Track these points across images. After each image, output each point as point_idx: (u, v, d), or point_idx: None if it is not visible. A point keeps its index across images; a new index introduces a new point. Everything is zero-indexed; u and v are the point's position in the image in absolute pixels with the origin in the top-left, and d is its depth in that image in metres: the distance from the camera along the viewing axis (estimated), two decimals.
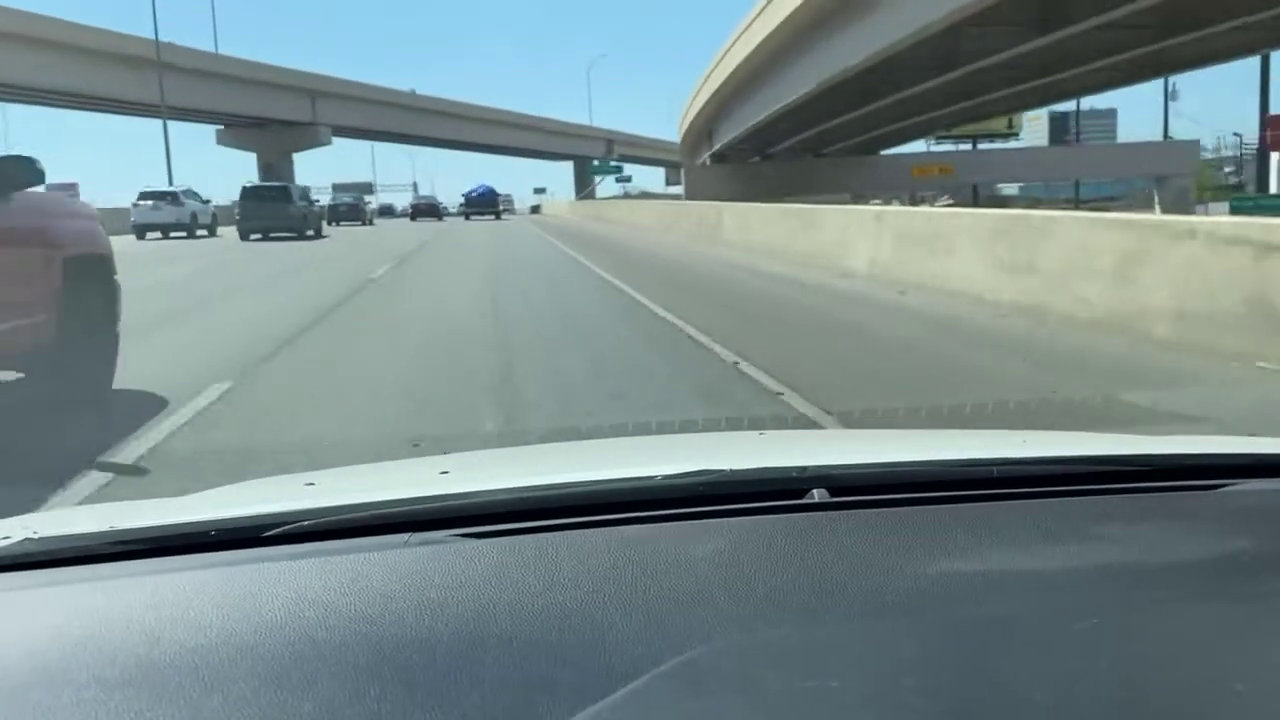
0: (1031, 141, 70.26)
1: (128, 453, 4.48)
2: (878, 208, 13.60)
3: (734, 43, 37.19)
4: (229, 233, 33.19)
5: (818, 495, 1.15)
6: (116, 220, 23.73)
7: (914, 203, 55.22)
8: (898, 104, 38.98)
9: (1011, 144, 65.27)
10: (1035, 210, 12.37)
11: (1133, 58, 33.78)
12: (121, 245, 6.49)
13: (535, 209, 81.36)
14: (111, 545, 1.07)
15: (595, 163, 78.82)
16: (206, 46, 57.58)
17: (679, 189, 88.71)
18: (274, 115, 59.49)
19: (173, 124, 49.26)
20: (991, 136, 63.29)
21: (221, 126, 63.33)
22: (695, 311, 9.35)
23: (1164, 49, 32.08)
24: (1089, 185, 62.66)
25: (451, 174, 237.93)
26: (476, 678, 0.81)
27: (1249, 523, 1.14)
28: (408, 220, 56.49)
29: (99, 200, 30.78)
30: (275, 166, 61.10)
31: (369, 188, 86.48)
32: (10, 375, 5.37)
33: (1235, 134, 69.20)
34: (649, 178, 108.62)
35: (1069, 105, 62.02)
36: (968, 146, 63.26)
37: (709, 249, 19.75)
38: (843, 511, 1.11)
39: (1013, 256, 9.41)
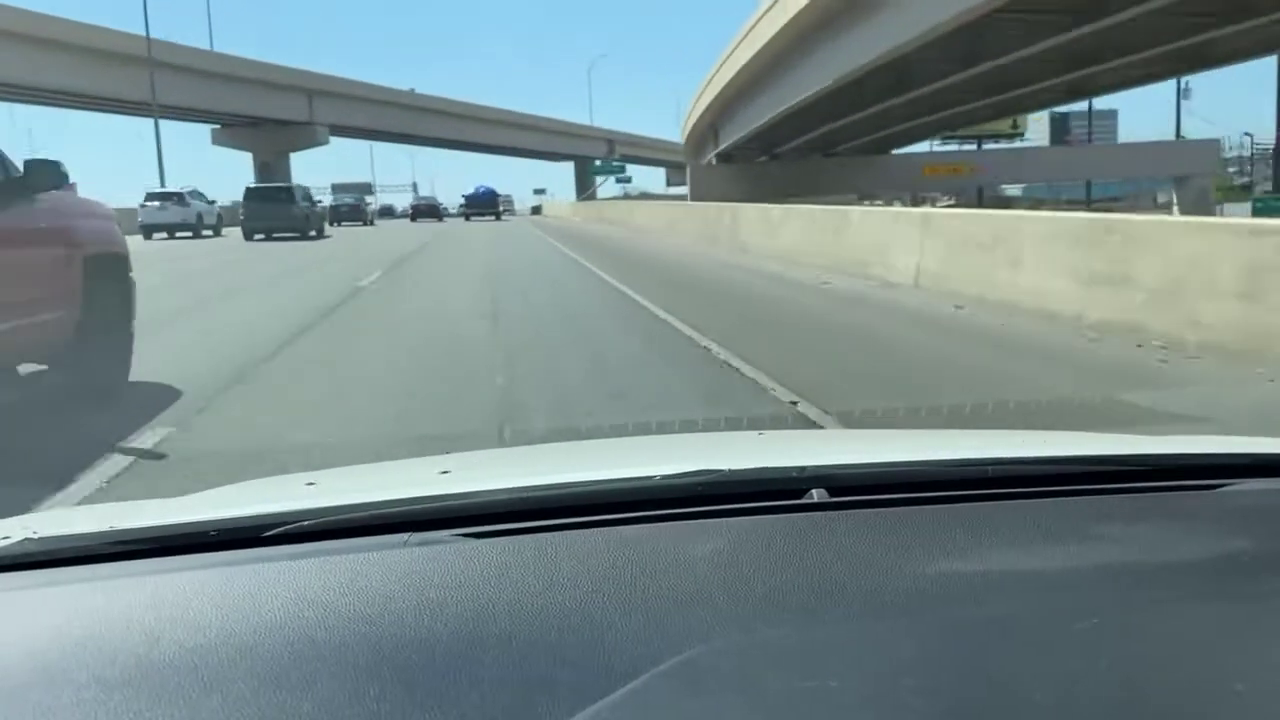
0: (1032, 143, 68.85)
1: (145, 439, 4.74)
2: (924, 209, 12.08)
3: (741, 40, 36.22)
4: (233, 233, 33.81)
5: (817, 495, 1.15)
6: (123, 220, 23.58)
7: (916, 203, 54.50)
8: (913, 102, 37.57)
9: (1016, 144, 64.18)
10: (1130, 215, 9.96)
11: (1176, 50, 31.83)
12: (129, 245, 6.62)
13: (536, 210, 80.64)
14: (111, 545, 1.07)
15: (597, 163, 78.28)
16: (203, 45, 56.86)
17: (680, 189, 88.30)
18: (270, 114, 58.73)
19: (167, 123, 49.09)
20: (996, 137, 62.37)
21: (217, 126, 62.47)
22: (733, 334, 7.84)
23: (1212, 40, 30.29)
24: (1089, 186, 61.74)
25: (451, 174, 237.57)
26: (476, 677, 0.81)
27: (1248, 523, 1.14)
28: (408, 221, 56.54)
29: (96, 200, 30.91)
30: (272, 166, 60.49)
31: (368, 188, 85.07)
32: (33, 368, 5.65)
33: (1246, 134, 68.18)
34: (649, 178, 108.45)
35: (1074, 106, 61.16)
36: (972, 147, 62.14)
37: (725, 254, 18.28)
38: (842, 511, 1.12)
39: (1101, 268, 7.97)
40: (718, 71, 42.23)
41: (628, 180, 77.27)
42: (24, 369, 5.72)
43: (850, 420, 4.89)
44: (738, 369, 6.39)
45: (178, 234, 34.10)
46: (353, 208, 51.18)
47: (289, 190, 34.77)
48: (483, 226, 41.81)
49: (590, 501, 1.14)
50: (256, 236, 31.67)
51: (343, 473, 1.63)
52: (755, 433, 2.99)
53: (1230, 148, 70.20)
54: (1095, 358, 6.83)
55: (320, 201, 42.16)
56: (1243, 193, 58.70)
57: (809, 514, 1.12)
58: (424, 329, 9.14)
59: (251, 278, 16.49)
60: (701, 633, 0.86)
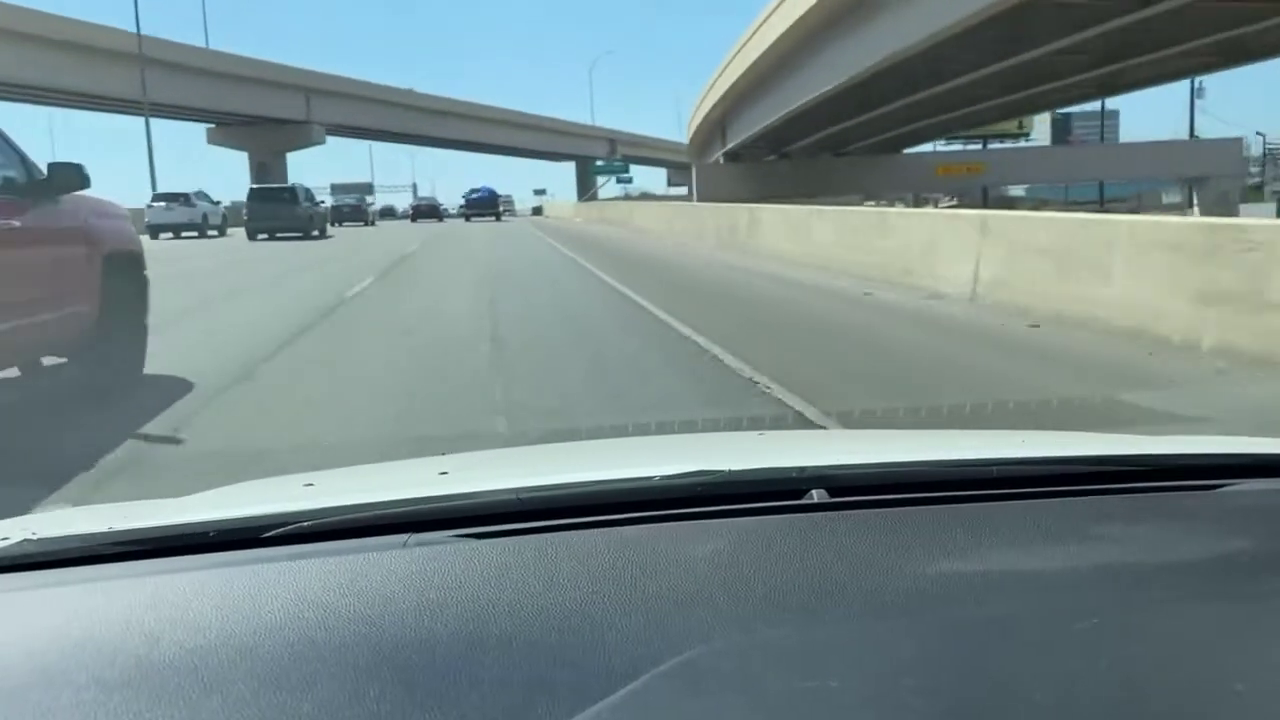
0: (1036, 142, 66.36)
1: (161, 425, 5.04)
2: (982, 212, 10.53)
3: (752, 34, 34.64)
4: (237, 233, 34.42)
5: (817, 495, 1.15)
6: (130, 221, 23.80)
7: (919, 203, 53.38)
8: (932, 98, 35.81)
9: (1022, 144, 62.51)
10: (1249, 220, 9.07)
11: (1215, 43, 29.53)
12: None
13: (537, 210, 79.89)
14: (110, 546, 1.07)
15: (599, 163, 77.85)
16: (199, 43, 55.54)
17: (681, 189, 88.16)
18: (266, 113, 57.65)
19: (162, 122, 48.31)
20: (1002, 137, 60.86)
21: (212, 125, 61.60)
22: (784, 360, 6.75)
23: (1259, 31, 27.76)
24: (1089, 186, 60.38)
25: (452, 174, 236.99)
26: (476, 678, 0.81)
27: (1248, 523, 1.14)
28: (409, 221, 56.71)
29: None
30: (268, 166, 59.77)
31: (368, 188, 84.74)
32: (55, 360, 5.96)
33: (1258, 133, 66.24)
34: (649, 178, 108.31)
35: (1083, 107, 59.48)
36: (977, 146, 60.49)
37: (743, 259, 16.69)
38: (842, 512, 1.12)
39: (1227, 283, 6.55)
40: (727, 67, 40.56)
41: (629, 181, 76.95)
42: (46, 361, 6.10)
43: (850, 420, 4.88)
44: (801, 413, 5.22)
45: (183, 234, 34.73)
46: (354, 208, 51.97)
47: (292, 191, 35.23)
48: (483, 227, 41.80)
49: (590, 502, 1.14)
50: (260, 236, 32.25)
51: (342, 473, 1.63)
52: (755, 433, 2.99)
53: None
54: (1249, 399, 5.59)
55: (323, 202, 42.55)
56: (1254, 193, 57.36)
57: (809, 514, 1.12)
58: (422, 330, 9.13)
59: (255, 277, 16.57)
60: (702, 633, 0.86)
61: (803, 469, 1.22)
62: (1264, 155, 64.06)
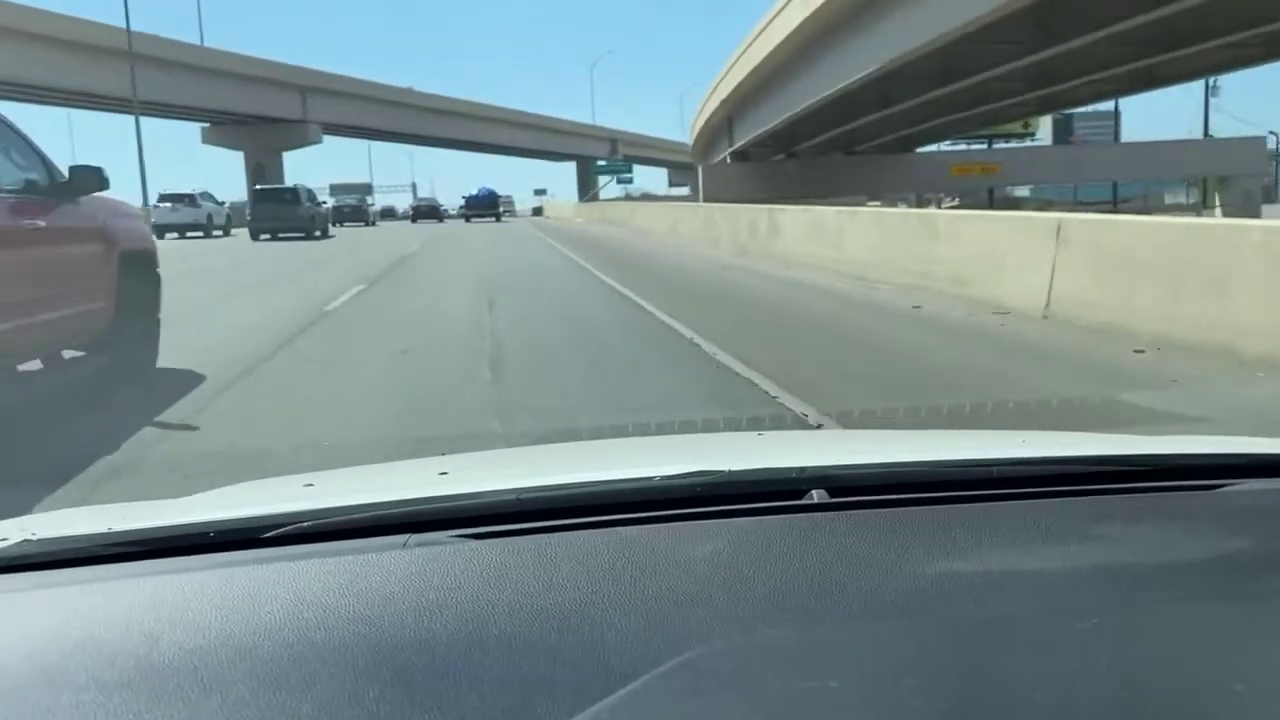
0: (1040, 142, 64.07)
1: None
2: (1057, 214, 9.09)
3: (761, 31, 33.30)
4: (241, 233, 35.21)
5: (817, 496, 1.15)
6: None
7: (921, 204, 52.40)
8: (952, 95, 34.26)
9: (1028, 143, 61.09)
10: None
11: (1271, 32, 27.12)
12: None
13: (537, 211, 79.22)
14: (110, 547, 1.07)
15: (600, 163, 77.54)
16: (194, 41, 54.04)
17: (683, 189, 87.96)
18: (262, 112, 56.74)
19: (155, 121, 47.37)
20: (1008, 136, 59.55)
21: (207, 124, 60.69)
22: (842, 392, 5.86)
23: None
24: (1093, 187, 58.40)
25: (451, 174, 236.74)
26: (475, 679, 0.81)
27: (1248, 523, 1.14)
28: (409, 222, 56.87)
29: None
30: (264, 166, 58.98)
31: (367, 188, 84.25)
32: (73, 353, 6.28)
33: (1271, 132, 63.23)
34: (650, 179, 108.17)
35: (1095, 106, 56.82)
36: (982, 146, 58.87)
37: (764, 265, 15.42)
38: (842, 512, 1.12)
39: None
40: (734, 64, 39.09)
41: (629, 181, 76.65)
42: (66, 354, 6.37)
43: (850, 420, 4.87)
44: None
45: (188, 234, 35.26)
46: (355, 209, 52.84)
47: (294, 192, 35.66)
48: (482, 228, 41.81)
49: (590, 502, 1.14)
50: (263, 236, 32.82)
51: (342, 473, 1.63)
52: (755, 433, 2.99)
53: None
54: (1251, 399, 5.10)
55: (325, 203, 42.95)
56: (1265, 193, 56.49)
57: (809, 514, 1.12)
58: (418, 336, 9.13)
59: (259, 276, 16.65)
60: (701, 633, 0.86)
61: (803, 469, 1.22)
62: (1277, 154, 62.66)
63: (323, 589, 0.94)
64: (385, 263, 18.16)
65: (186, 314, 9.13)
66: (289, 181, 45.66)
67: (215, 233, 36.86)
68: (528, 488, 1.19)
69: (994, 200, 53.41)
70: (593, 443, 3.18)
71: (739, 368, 6.38)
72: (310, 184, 38.29)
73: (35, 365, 6.03)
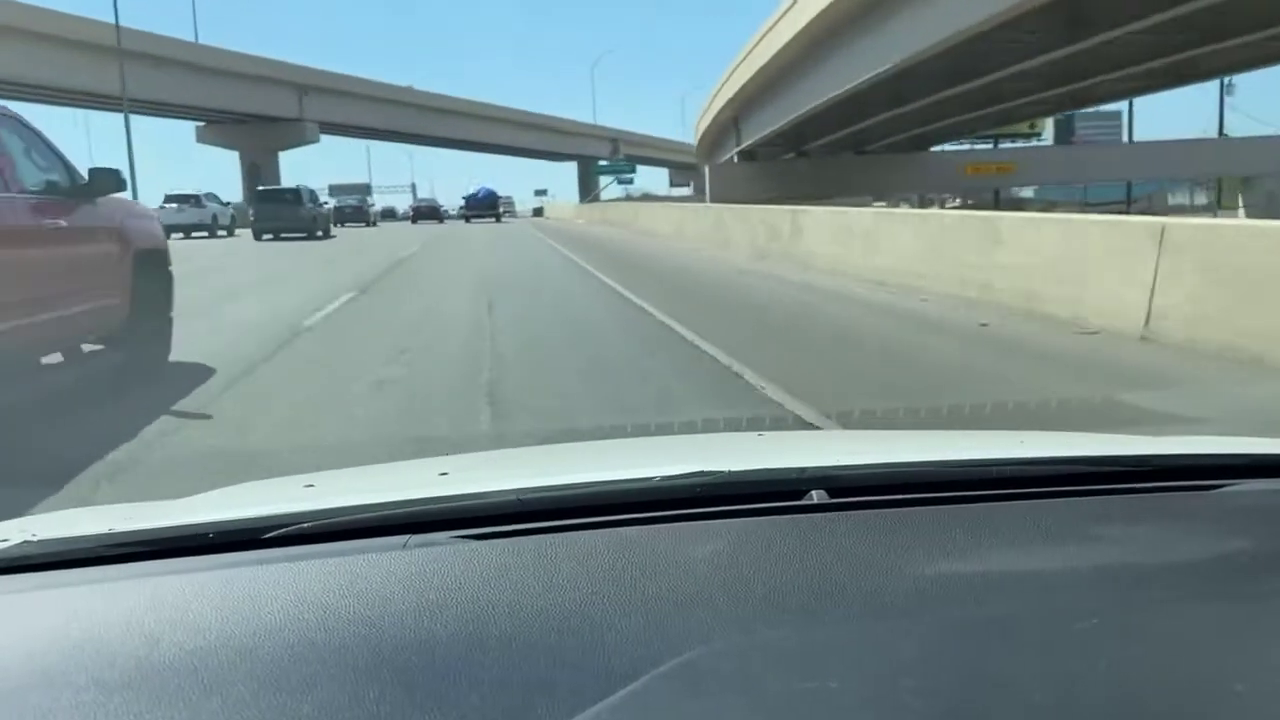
0: (1045, 142, 62.66)
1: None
2: (1161, 219, 7.86)
3: (772, 26, 32.28)
4: (245, 233, 35.40)
5: (817, 496, 1.15)
6: None
7: (924, 204, 51.87)
8: (972, 93, 33.24)
9: (1034, 143, 60.06)
10: None
11: None
12: None
13: (538, 211, 78.45)
14: (110, 548, 1.08)
15: (602, 162, 77.00)
16: (188, 38, 52.81)
17: (684, 190, 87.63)
18: (258, 111, 55.60)
19: (149, 120, 46.58)
20: (1013, 136, 58.73)
21: (202, 123, 59.55)
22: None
23: None
24: (1096, 188, 57.37)
25: (451, 174, 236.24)
26: (475, 679, 0.81)
27: (1248, 523, 1.14)
28: (409, 223, 56.93)
29: None
30: (259, 166, 58.18)
31: (366, 188, 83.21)
32: (91, 347, 6.61)
33: None
34: (650, 179, 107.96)
35: (1109, 105, 55.72)
36: (988, 146, 57.75)
37: (789, 271, 13.93)
38: (842, 512, 1.12)
39: None
40: (743, 61, 38.03)
41: (629, 181, 76.15)
42: (85, 348, 6.73)
43: (850, 421, 4.86)
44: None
45: (193, 234, 35.62)
46: (356, 209, 52.96)
47: (296, 192, 35.97)
48: (483, 229, 41.82)
49: (590, 503, 1.14)
50: (265, 236, 33.21)
51: (342, 474, 1.63)
52: (755, 434, 2.99)
53: None
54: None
55: (326, 203, 43.24)
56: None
57: (809, 515, 1.12)
58: (419, 334, 9.14)
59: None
60: (701, 634, 0.86)
61: (803, 469, 1.22)
62: None
63: (323, 589, 0.94)
64: (381, 266, 17.66)
65: None
66: (286, 181, 45.73)
67: (220, 233, 37.35)
68: (528, 488, 1.19)
69: (1000, 201, 52.71)
70: (593, 443, 3.18)
71: (789, 402, 5.30)
72: (308, 184, 38.43)
73: (56, 358, 6.35)
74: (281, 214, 34.07)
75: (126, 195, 6.92)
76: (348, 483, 1.50)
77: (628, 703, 0.77)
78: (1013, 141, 59.17)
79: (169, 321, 7.02)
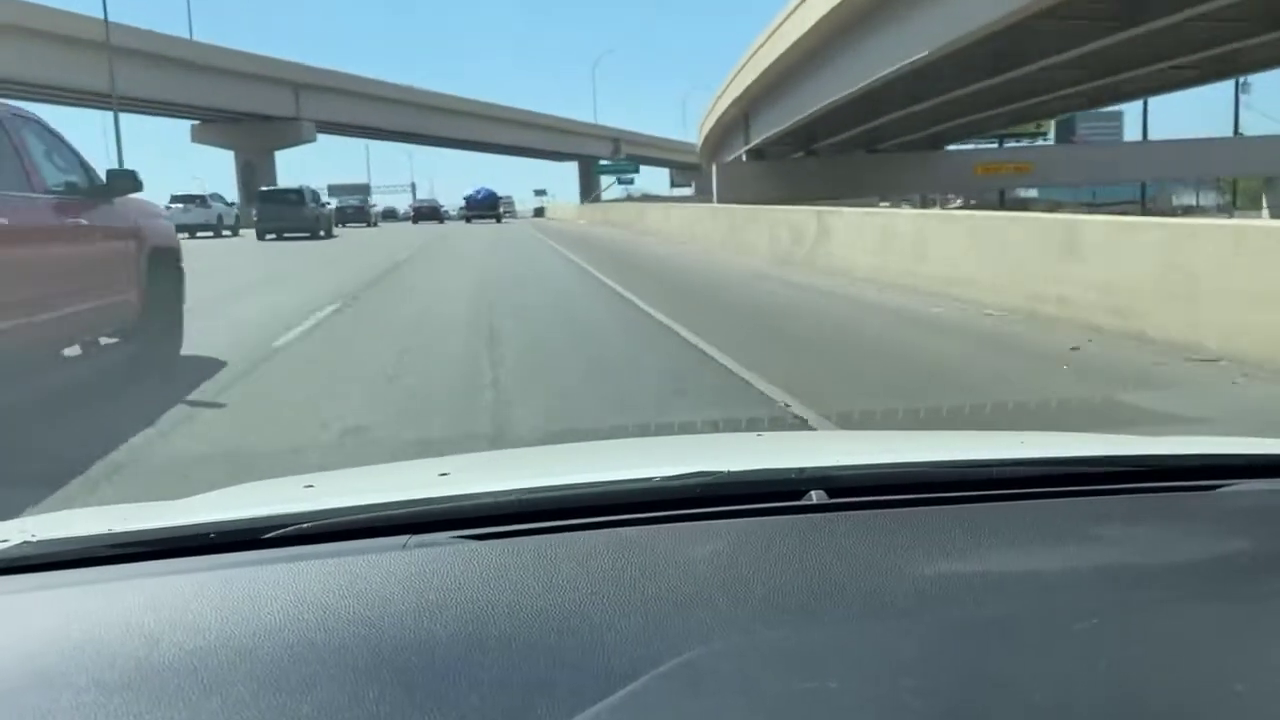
0: (1050, 142, 61.49)
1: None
2: None
3: (783, 21, 30.96)
4: (249, 233, 36.26)
5: (816, 496, 1.15)
6: None
7: (926, 205, 50.81)
8: (997, 88, 31.67)
9: (1039, 143, 59.09)
10: None
11: None
12: None
13: (538, 212, 77.91)
14: (110, 548, 1.08)
15: (603, 162, 76.65)
16: (183, 36, 52.11)
17: (685, 190, 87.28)
18: (253, 109, 55.14)
19: (142, 119, 45.83)
20: (1019, 136, 57.76)
21: (196, 122, 58.99)
22: None
23: None
24: (1101, 188, 56.38)
25: (451, 174, 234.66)
26: (475, 680, 0.81)
27: (1247, 523, 1.14)
28: (410, 223, 57.04)
29: None
30: (255, 165, 57.82)
31: (365, 188, 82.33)
32: (108, 340, 6.83)
33: None
34: (651, 179, 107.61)
35: (1122, 105, 54.06)
36: (993, 145, 56.45)
37: (818, 279, 12.73)
38: (841, 513, 1.12)
39: None
40: (753, 57, 36.55)
41: (629, 182, 75.92)
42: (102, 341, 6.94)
43: (849, 422, 4.87)
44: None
45: (199, 234, 35.95)
46: (358, 209, 53.58)
47: (299, 193, 36.42)
48: (483, 230, 41.79)
49: (590, 503, 1.15)
50: (268, 236, 33.79)
51: (342, 475, 1.63)
52: (754, 434, 2.99)
53: None
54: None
55: (328, 204, 43.65)
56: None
57: (808, 515, 1.12)
58: (417, 335, 9.13)
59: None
60: (701, 634, 0.86)
61: (802, 470, 1.22)
62: None
63: (323, 590, 0.94)
64: (376, 270, 16.91)
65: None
66: (282, 181, 45.89)
67: (225, 232, 38.06)
68: (527, 488, 1.19)
69: (1005, 201, 51.93)
70: (593, 444, 3.18)
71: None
72: (305, 184, 38.72)
73: (75, 350, 6.56)
74: (285, 214, 34.62)
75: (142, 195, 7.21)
76: (347, 483, 1.50)
77: (627, 703, 0.77)
78: (1018, 141, 58.37)
79: (180, 316, 7.37)
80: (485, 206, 56.73)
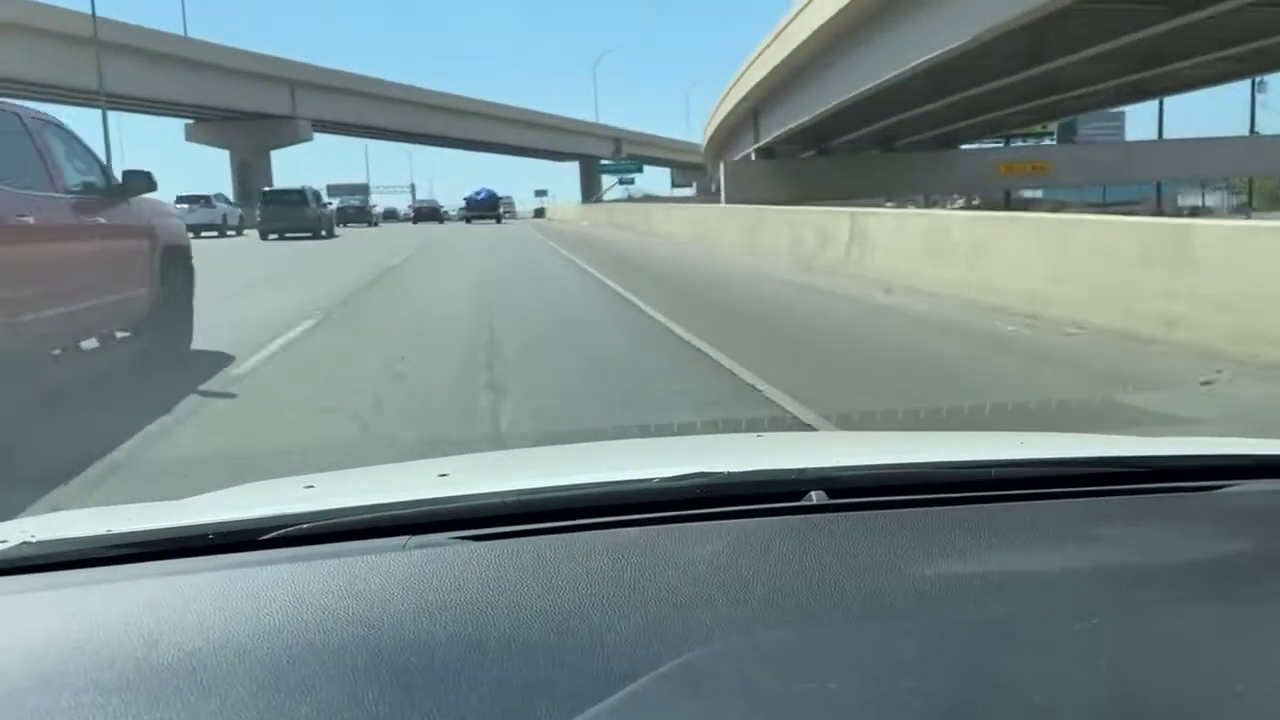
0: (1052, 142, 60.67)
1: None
2: None
3: (799, 12, 29.58)
4: (253, 233, 36.56)
5: (816, 497, 1.15)
6: None
7: (928, 205, 49.23)
8: (1028, 81, 30.01)
9: (1045, 142, 58.25)
10: None
11: None
12: None
13: (539, 212, 76.49)
14: (109, 549, 1.08)
15: (605, 162, 76.38)
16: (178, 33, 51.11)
17: (686, 190, 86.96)
18: (249, 108, 54.51)
19: (134, 118, 44.95)
20: (1025, 136, 56.91)
21: (191, 121, 58.56)
22: None
23: None
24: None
25: (451, 174, 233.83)
26: (474, 680, 0.81)
27: (1247, 524, 1.14)
28: (410, 224, 57.20)
29: None
30: (250, 164, 57.39)
31: (364, 189, 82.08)
32: (123, 334, 7.11)
33: None
34: (652, 179, 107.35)
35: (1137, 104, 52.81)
36: (999, 145, 55.39)
37: (851, 286, 11.44)
38: (841, 514, 1.12)
39: None
40: (764, 50, 34.97)
41: (630, 182, 75.70)
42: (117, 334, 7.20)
43: (849, 423, 4.86)
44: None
45: (203, 234, 36.29)
46: (359, 210, 54.29)
47: (301, 194, 36.81)
48: (484, 231, 41.78)
49: (589, 504, 1.14)
50: (271, 236, 34.21)
51: (341, 476, 1.63)
52: (754, 435, 2.99)
53: None
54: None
55: (330, 204, 43.94)
56: None
57: (808, 516, 1.12)
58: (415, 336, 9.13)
59: (277, 272, 16.91)
60: (701, 635, 0.86)
61: (802, 470, 1.22)
62: None
63: (322, 591, 0.94)
64: (368, 275, 15.99)
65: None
66: (277, 181, 46.01)
67: (229, 233, 38.50)
68: (527, 489, 1.19)
69: (1010, 202, 51.19)
70: (592, 444, 3.18)
71: None
72: (301, 184, 39.05)
73: (92, 343, 6.81)
74: (288, 215, 35.04)
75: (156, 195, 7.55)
76: (347, 483, 1.50)
77: (627, 704, 0.77)
78: (1024, 141, 57.67)
79: (191, 311, 7.69)
80: (485, 207, 56.77)
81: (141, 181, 7.00)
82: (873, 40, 26.29)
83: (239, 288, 13.16)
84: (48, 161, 5.98)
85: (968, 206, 47.53)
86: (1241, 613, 0.93)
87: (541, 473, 1.38)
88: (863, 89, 28.64)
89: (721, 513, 1.11)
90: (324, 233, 35.61)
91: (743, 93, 40.97)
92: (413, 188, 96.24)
